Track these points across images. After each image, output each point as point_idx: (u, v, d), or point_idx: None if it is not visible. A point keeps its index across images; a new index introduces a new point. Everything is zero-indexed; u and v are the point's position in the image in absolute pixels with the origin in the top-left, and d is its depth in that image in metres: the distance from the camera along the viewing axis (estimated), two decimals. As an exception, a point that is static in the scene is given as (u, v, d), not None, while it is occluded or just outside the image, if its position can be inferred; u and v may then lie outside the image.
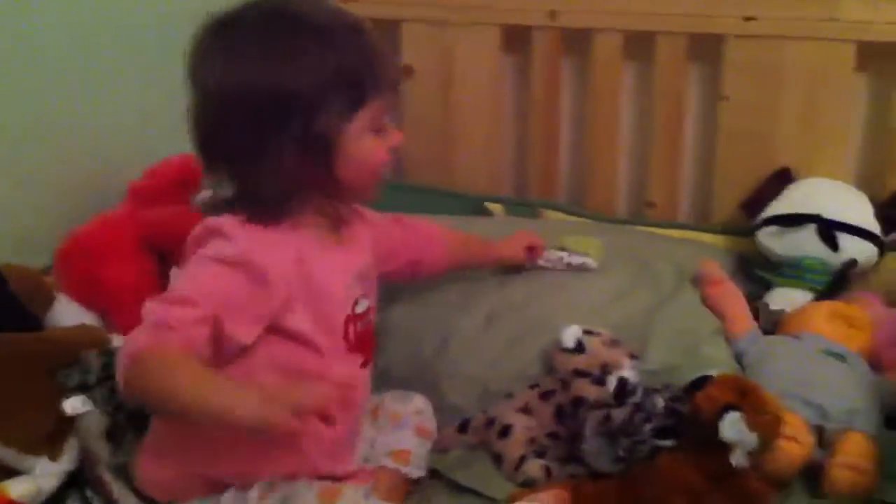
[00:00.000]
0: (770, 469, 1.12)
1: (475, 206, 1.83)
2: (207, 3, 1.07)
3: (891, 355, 1.35)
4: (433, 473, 1.22)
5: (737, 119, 1.71)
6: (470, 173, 1.91)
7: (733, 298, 1.36)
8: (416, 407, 1.28)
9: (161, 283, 1.45)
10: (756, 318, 1.40)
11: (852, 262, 1.48)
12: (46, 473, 1.14)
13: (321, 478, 1.11)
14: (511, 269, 1.46)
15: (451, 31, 1.86)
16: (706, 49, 1.72)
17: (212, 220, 1.05)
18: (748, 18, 1.65)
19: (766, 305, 1.43)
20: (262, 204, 1.05)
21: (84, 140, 1.58)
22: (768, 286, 1.52)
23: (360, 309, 1.14)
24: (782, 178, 1.63)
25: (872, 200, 1.57)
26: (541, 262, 1.43)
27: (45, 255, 1.46)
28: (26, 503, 1.10)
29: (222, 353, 1.01)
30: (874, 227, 1.52)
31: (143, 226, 1.47)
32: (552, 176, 1.88)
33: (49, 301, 1.36)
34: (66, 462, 1.16)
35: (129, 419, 1.20)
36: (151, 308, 0.98)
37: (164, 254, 1.46)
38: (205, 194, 1.56)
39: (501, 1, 1.82)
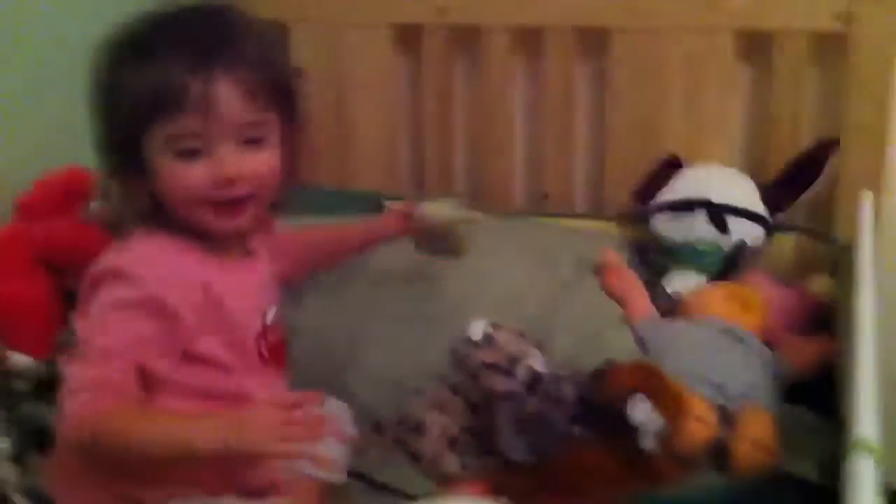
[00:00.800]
0: (678, 449, 1.15)
1: (375, 205, 1.83)
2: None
3: (783, 333, 1.40)
4: (352, 475, 1.22)
5: (624, 110, 1.75)
6: (368, 172, 1.91)
7: (631, 285, 1.39)
8: (332, 412, 1.27)
9: (56, 297, 1.42)
10: (654, 303, 1.44)
11: (742, 244, 1.53)
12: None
13: (248, 492, 1.09)
14: (413, 266, 1.46)
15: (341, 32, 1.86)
16: (592, 42, 1.75)
17: (110, 261, 1.03)
18: (630, 10, 1.70)
19: (664, 289, 1.47)
20: (162, 220, 1.06)
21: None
22: (663, 271, 1.56)
23: (269, 319, 1.14)
24: (671, 166, 1.68)
25: (757, 184, 1.63)
26: (427, 215, 1.38)
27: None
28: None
29: (146, 388, 1.01)
30: (761, 209, 1.58)
31: (37, 241, 1.43)
32: (449, 171, 1.89)
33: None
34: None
35: (32, 440, 1.17)
36: (73, 373, 0.98)
37: (59, 268, 1.42)
38: (95, 205, 1.54)
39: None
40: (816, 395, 1.25)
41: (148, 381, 1.01)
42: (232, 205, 1.05)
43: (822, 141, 1.63)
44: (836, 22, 1.61)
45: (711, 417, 1.16)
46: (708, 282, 1.50)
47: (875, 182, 1.61)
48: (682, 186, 1.61)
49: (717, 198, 1.56)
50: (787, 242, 1.61)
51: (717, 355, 1.25)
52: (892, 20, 1.57)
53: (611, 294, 1.38)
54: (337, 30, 1.86)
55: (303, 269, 1.35)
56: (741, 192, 1.59)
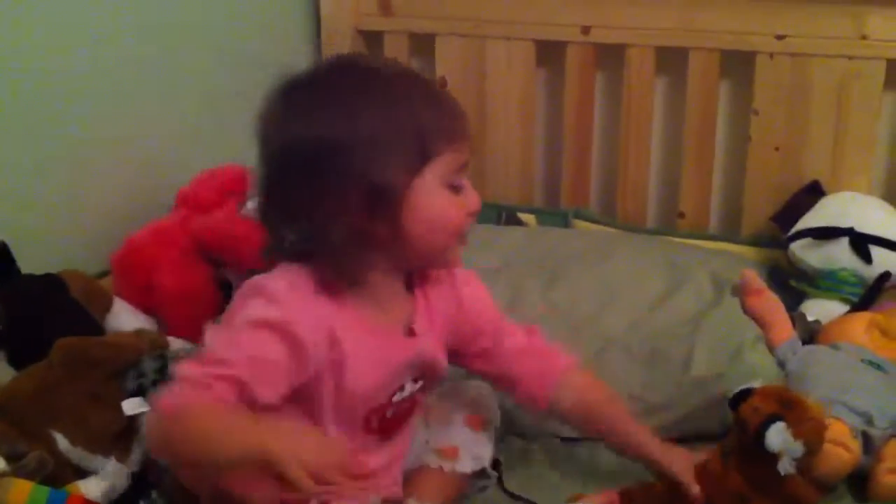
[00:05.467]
0: (817, 474, 1.15)
1: (508, 217, 1.87)
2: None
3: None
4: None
5: (766, 133, 1.75)
6: (502, 184, 1.95)
7: (774, 307, 1.39)
8: (469, 397, 1.25)
9: (213, 288, 1.49)
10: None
11: (886, 275, 1.52)
12: (115, 473, 1.17)
13: None
14: (548, 275, 1.50)
15: (485, 44, 1.90)
16: (737, 65, 1.76)
17: (261, 279, 1.02)
18: (780, 37, 1.70)
19: (804, 316, 1.47)
20: (326, 262, 1.01)
21: (135, 148, 1.61)
22: (800, 297, 1.56)
23: (399, 397, 1.09)
24: (813, 192, 1.67)
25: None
26: None
27: (99, 262, 1.49)
28: (99, 502, 1.13)
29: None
30: (904, 239, 1.57)
31: (196, 232, 1.50)
32: (583, 186, 1.92)
33: (108, 306, 1.39)
34: (133, 463, 1.19)
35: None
36: (186, 367, 0.96)
37: (216, 259, 1.50)
38: (251, 203, 1.61)
39: (535, 16, 1.86)
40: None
41: (245, 403, 0.95)
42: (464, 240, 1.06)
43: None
44: None
45: (853, 444, 1.16)
46: (848, 311, 1.49)
47: None
48: (823, 213, 1.61)
49: (861, 226, 1.55)
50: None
51: (860, 383, 1.25)
52: None
53: (752, 315, 1.38)
54: (480, 43, 1.91)
55: (504, 384, 1.21)
56: (885, 221, 1.58)
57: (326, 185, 0.98)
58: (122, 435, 1.19)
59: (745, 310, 1.40)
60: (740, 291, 1.42)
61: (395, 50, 1.96)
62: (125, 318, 1.40)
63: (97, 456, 1.17)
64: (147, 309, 1.44)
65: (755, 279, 1.43)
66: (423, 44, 1.96)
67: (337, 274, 1.02)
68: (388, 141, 0.98)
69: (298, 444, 0.89)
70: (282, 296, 0.99)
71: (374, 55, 1.07)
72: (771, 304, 1.40)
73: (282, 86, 1.03)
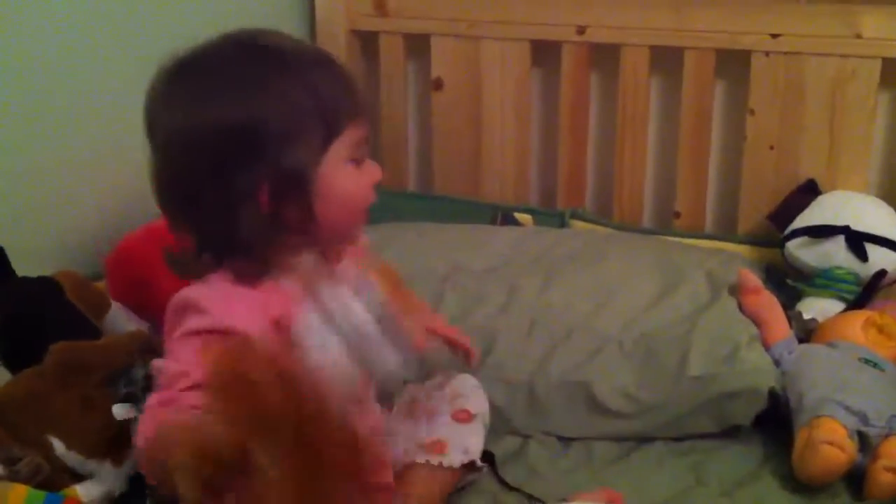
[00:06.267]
0: (811, 474, 1.16)
1: (504, 217, 1.87)
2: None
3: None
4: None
5: (762, 132, 1.75)
6: (498, 184, 1.95)
7: (770, 306, 1.40)
8: (456, 391, 1.25)
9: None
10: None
11: (882, 273, 1.52)
12: (112, 477, 1.17)
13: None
14: (550, 271, 1.50)
15: (480, 44, 1.90)
16: (732, 64, 1.76)
17: (183, 294, 0.98)
18: (775, 35, 1.70)
19: (800, 314, 1.47)
20: (241, 253, 0.98)
21: (130, 150, 1.59)
22: (797, 296, 1.56)
23: None
24: (809, 191, 1.67)
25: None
26: None
27: (93, 263, 1.48)
28: (95, 506, 1.13)
29: None
30: (899, 237, 1.57)
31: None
32: (579, 186, 1.92)
33: (104, 308, 1.38)
34: (129, 466, 1.19)
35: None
36: (150, 399, 0.94)
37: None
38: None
39: (529, 16, 1.86)
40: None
41: None
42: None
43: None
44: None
45: (848, 443, 1.16)
46: (844, 309, 1.49)
47: None
48: (819, 212, 1.61)
49: (857, 225, 1.55)
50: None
51: (855, 381, 1.25)
52: None
53: (749, 314, 1.39)
54: (475, 43, 1.91)
55: None
56: (882, 219, 1.58)
57: (234, 172, 0.94)
58: (118, 438, 1.19)
59: (742, 308, 1.41)
60: (737, 290, 1.43)
61: (390, 50, 1.97)
62: (121, 320, 1.40)
63: (93, 460, 1.17)
64: (142, 311, 1.43)
65: (751, 278, 1.44)
66: (419, 44, 1.96)
67: (255, 264, 0.98)
68: (292, 123, 0.95)
69: None
70: (211, 302, 0.96)
71: (275, 35, 1.00)
72: (767, 302, 1.41)
73: (170, 67, 0.98)
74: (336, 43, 1.97)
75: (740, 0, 1.72)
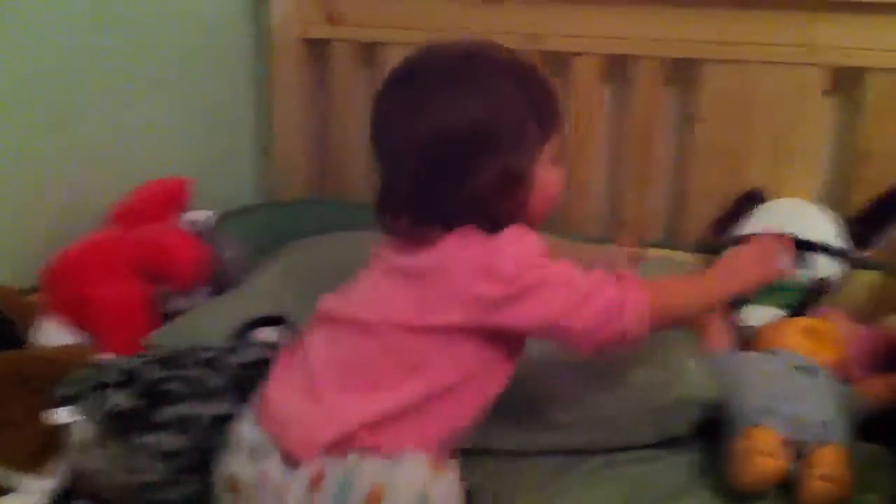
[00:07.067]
0: (745, 483, 1.15)
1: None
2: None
3: (859, 369, 1.39)
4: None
5: (711, 141, 1.75)
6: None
7: (711, 316, 1.40)
8: None
9: (148, 304, 1.47)
10: (730, 334, 1.44)
11: (822, 280, 1.52)
12: (36, 490, 1.15)
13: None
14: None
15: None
16: (682, 72, 1.76)
17: (506, 234, 1.06)
18: (724, 44, 1.70)
19: (741, 322, 1.47)
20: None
21: (66, 162, 1.60)
22: (740, 304, 1.56)
23: None
24: (752, 199, 1.68)
25: (841, 220, 1.61)
26: None
27: (29, 276, 1.47)
28: (19, 520, 1.12)
29: None
30: (842, 244, 1.57)
31: (133, 247, 1.48)
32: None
33: (33, 321, 1.37)
34: (53, 478, 1.17)
35: (117, 426, 1.21)
36: (573, 283, 1.06)
37: (153, 276, 1.48)
38: (190, 215, 1.60)
39: (484, 24, 1.86)
40: (891, 431, 1.23)
41: None
42: None
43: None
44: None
45: (782, 452, 1.16)
46: (784, 316, 1.49)
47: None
48: (762, 219, 1.61)
49: (799, 232, 1.55)
50: (864, 279, 1.59)
51: (792, 389, 1.25)
52: None
53: (690, 324, 1.39)
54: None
55: None
56: (823, 227, 1.58)
57: (470, 173, 1.05)
58: (44, 451, 1.17)
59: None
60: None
61: (343, 59, 1.96)
62: (54, 333, 1.38)
63: (16, 474, 1.16)
64: (81, 325, 1.42)
65: None
66: (372, 52, 1.95)
67: None
68: (520, 125, 1.07)
69: (743, 268, 1.21)
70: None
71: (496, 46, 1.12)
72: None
73: (397, 78, 1.10)
74: (287, 51, 1.96)
75: (691, 8, 1.72)
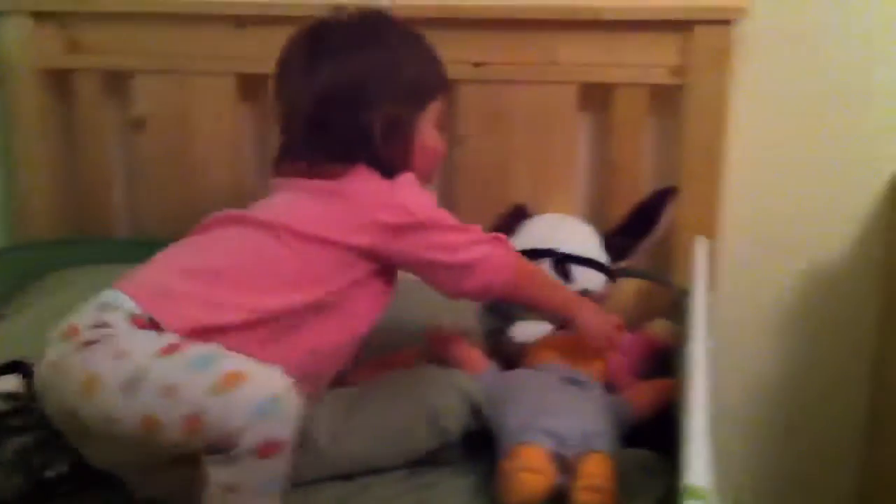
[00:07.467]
0: (513, 501, 1.15)
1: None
2: None
3: (627, 376, 1.43)
4: None
5: (473, 160, 1.77)
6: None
7: (459, 345, 1.39)
8: None
9: None
10: (500, 352, 1.45)
11: (584, 292, 1.54)
12: None
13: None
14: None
15: (189, 81, 1.82)
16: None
17: (398, 180, 1.23)
18: (477, 64, 1.72)
19: (511, 338, 1.47)
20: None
21: None
22: (510, 320, 1.56)
23: None
24: (517, 215, 1.70)
25: (600, 232, 1.66)
26: None
27: None
28: None
29: None
30: (602, 257, 1.61)
31: None
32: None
33: None
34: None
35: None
36: (452, 238, 1.23)
37: None
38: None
39: (236, 49, 1.79)
40: (658, 435, 1.26)
41: None
42: None
43: (659, 189, 1.68)
44: (672, 76, 1.67)
45: (546, 466, 1.16)
46: (554, 329, 1.51)
47: (709, 228, 1.67)
48: (527, 235, 1.63)
49: (562, 247, 1.58)
50: (627, 287, 1.65)
51: (556, 403, 1.26)
52: (723, 76, 1.65)
53: (446, 360, 1.37)
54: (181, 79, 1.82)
55: None
56: (584, 240, 1.62)
57: (358, 114, 1.23)
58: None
59: (435, 360, 1.39)
60: (426, 349, 1.41)
61: (88, 89, 1.84)
62: None
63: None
64: None
65: (433, 331, 1.42)
66: (120, 82, 1.84)
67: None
68: (407, 83, 1.26)
69: (594, 316, 1.32)
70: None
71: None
72: (455, 343, 1.39)
73: (306, 35, 1.27)
74: (24, 84, 1.82)
75: (444, 31, 1.72)
